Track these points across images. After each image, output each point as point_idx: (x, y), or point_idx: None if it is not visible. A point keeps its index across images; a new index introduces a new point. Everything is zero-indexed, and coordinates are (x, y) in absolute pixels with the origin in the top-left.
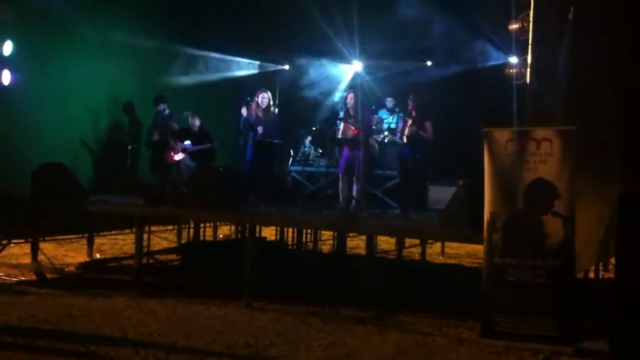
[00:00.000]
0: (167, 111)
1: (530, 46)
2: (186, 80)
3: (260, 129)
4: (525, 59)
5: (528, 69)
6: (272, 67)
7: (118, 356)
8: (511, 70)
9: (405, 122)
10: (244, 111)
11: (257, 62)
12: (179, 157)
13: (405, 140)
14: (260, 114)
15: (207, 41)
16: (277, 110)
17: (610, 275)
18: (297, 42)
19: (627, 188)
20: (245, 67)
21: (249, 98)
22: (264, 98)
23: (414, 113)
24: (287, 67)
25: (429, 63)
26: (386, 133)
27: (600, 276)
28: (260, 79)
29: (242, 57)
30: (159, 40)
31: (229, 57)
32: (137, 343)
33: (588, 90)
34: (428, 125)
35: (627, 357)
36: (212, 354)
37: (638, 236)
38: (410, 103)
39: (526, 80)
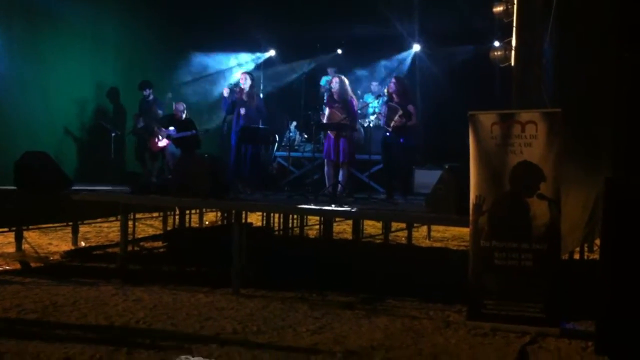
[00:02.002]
0: (151, 97)
1: (514, 29)
2: (171, 68)
3: (242, 111)
4: (510, 42)
5: (513, 52)
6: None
7: (105, 343)
8: (496, 53)
9: (390, 110)
10: (225, 92)
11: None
12: (163, 144)
13: (391, 127)
14: (244, 97)
15: (194, 30)
16: (261, 94)
17: (595, 256)
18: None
19: (615, 172)
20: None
21: (233, 83)
22: (245, 79)
23: (395, 97)
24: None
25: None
26: (372, 117)
27: (585, 257)
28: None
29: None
30: (144, 30)
31: (216, 48)
32: (123, 330)
33: (574, 74)
34: (412, 109)
35: (613, 338)
36: (199, 341)
37: (624, 219)
38: (391, 88)
39: (511, 63)
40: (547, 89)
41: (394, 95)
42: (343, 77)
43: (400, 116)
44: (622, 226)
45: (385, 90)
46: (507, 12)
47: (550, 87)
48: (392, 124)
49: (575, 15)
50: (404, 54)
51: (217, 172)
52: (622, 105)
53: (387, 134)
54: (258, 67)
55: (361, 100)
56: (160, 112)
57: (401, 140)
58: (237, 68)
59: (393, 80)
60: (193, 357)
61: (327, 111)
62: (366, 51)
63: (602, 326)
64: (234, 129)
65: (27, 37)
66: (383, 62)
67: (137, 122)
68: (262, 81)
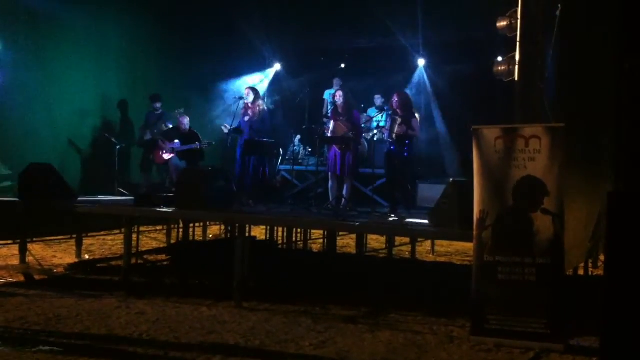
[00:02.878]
0: (160, 110)
1: (518, 44)
2: (176, 80)
3: (245, 134)
4: (513, 57)
5: (516, 67)
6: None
7: (107, 356)
8: (499, 68)
9: (393, 121)
10: (224, 130)
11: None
12: (167, 156)
13: (393, 138)
14: (249, 112)
15: (199, 43)
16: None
17: (600, 272)
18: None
19: (617, 185)
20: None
21: (237, 97)
22: (249, 94)
23: (399, 112)
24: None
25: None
26: (375, 131)
27: (590, 273)
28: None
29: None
30: (148, 41)
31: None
32: (127, 343)
33: (577, 88)
34: (415, 123)
35: (618, 354)
36: (202, 357)
37: (628, 233)
38: (394, 102)
39: (514, 78)
40: (550, 103)
41: (398, 110)
42: (347, 90)
43: (399, 125)
44: (626, 241)
45: (389, 105)
46: (511, 27)
47: (553, 101)
48: (394, 134)
49: (578, 29)
50: (408, 68)
51: (220, 184)
52: (624, 117)
53: (392, 147)
54: (263, 81)
55: (365, 114)
56: (169, 125)
57: (405, 154)
58: (242, 81)
59: (395, 95)
60: None
61: (331, 125)
62: (370, 65)
63: (607, 342)
64: (239, 142)
65: (31, 48)
66: (387, 76)
67: (144, 134)
68: (266, 95)
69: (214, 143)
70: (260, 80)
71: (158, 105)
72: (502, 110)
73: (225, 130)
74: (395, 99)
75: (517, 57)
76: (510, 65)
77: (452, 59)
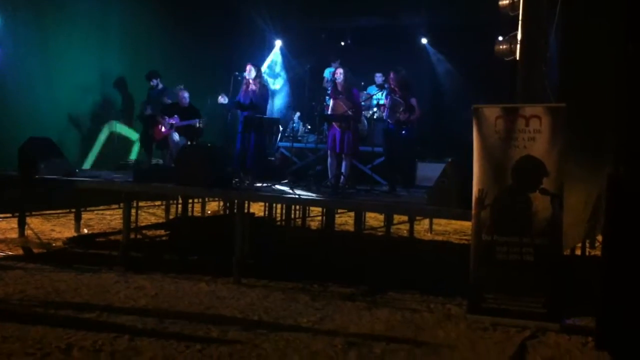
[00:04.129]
0: (160, 86)
1: (520, 22)
2: (178, 57)
3: (250, 91)
4: (515, 36)
5: (518, 46)
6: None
7: (107, 329)
8: (501, 47)
9: (395, 104)
10: (221, 99)
11: None
12: (166, 132)
13: (395, 120)
14: (250, 88)
15: (201, 19)
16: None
17: (597, 252)
18: None
19: (617, 167)
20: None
21: (237, 73)
22: (250, 70)
23: (397, 90)
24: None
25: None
26: (375, 109)
27: (587, 253)
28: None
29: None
30: (150, 18)
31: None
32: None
33: (580, 69)
34: (414, 102)
35: (614, 334)
36: (201, 331)
37: (626, 214)
38: (391, 80)
39: (516, 57)
40: (552, 83)
41: (395, 89)
42: (347, 68)
43: (404, 111)
44: (624, 222)
45: (387, 83)
46: (513, 6)
47: (555, 81)
48: (396, 118)
49: (581, 9)
50: (409, 46)
51: (220, 161)
52: (625, 100)
53: (390, 126)
54: (264, 58)
55: (365, 92)
56: (168, 101)
57: (403, 132)
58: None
59: (392, 73)
60: (194, 345)
61: (331, 103)
62: (371, 43)
63: (602, 322)
64: (239, 118)
65: (31, 23)
66: (388, 54)
67: (145, 109)
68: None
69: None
70: (262, 57)
71: (155, 82)
72: (504, 90)
73: (223, 100)
74: (392, 76)
75: (519, 37)
76: (512, 44)
77: (454, 39)
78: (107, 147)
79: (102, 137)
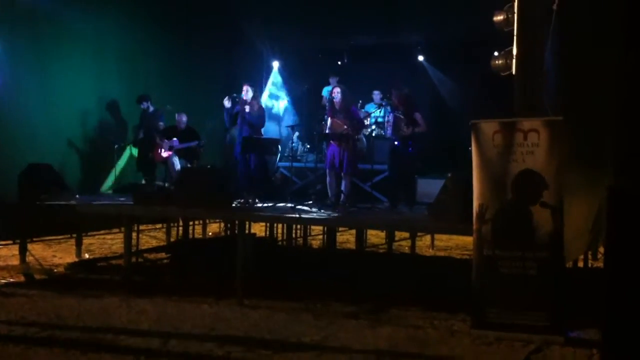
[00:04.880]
0: (151, 109)
1: (515, 37)
2: (175, 79)
3: (244, 131)
4: (511, 51)
5: (514, 60)
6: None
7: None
8: (497, 62)
9: (398, 120)
10: (226, 103)
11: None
12: (166, 154)
13: (399, 136)
14: (247, 108)
15: (198, 42)
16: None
17: (600, 264)
18: None
19: (617, 179)
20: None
21: (235, 94)
22: (247, 91)
23: (401, 107)
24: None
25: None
26: (373, 127)
27: (590, 265)
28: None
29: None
30: (147, 41)
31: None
32: (128, 341)
33: (576, 81)
34: (418, 117)
35: (619, 346)
36: (204, 354)
37: (627, 225)
38: (393, 98)
39: (512, 72)
40: (549, 96)
41: (399, 106)
42: (344, 87)
43: (406, 125)
44: (626, 233)
45: (391, 102)
46: (508, 21)
47: (552, 94)
48: (400, 135)
49: (575, 22)
50: (406, 63)
51: (220, 182)
52: (624, 110)
53: (396, 143)
54: (261, 78)
55: (363, 110)
56: (161, 123)
57: (409, 149)
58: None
59: (394, 91)
60: None
61: (329, 121)
62: (368, 61)
63: (608, 334)
64: (238, 139)
65: (30, 48)
66: (385, 72)
67: (138, 133)
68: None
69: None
70: (259, 77)
71: (145, 104)
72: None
73: (228, 104)
74: (394, 94)
75: (515, 51)
76: (508, 59)
77: (452, 55)
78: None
79: (124, 159)
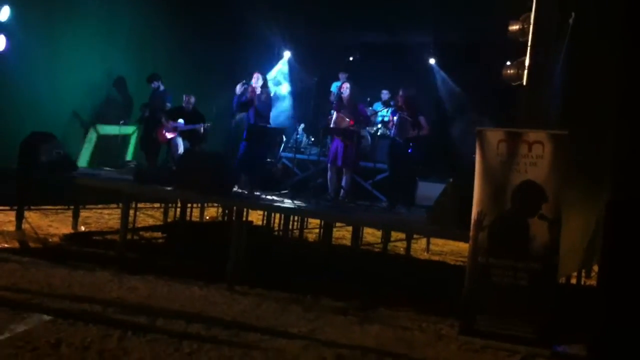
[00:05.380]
0: (161, 88)
1: (529, 48)
2: (184, 60)
3: (250, 119)
4: (523, 61)
5: (525, 71)
6: None
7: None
8: (509, 72)
9: (403, 121)
10: (238, 88)
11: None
12: (170, 135)
13: (403, 138)
14: (255, 96)
15: (209, 24)
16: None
17: (592, 282)
18: None
19: (615, 194)
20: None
21: (244, 80)
22: (258, 79)
23: (404, 108)
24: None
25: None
26: (379, 126)
27: (583, 282)
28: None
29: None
30: (158, 20)
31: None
32: (116, 315)
33: (583, 96)
34: (422, 120)
35: None
36: (191, 335)
37: (624, 242)
38: (399, 98)
39: (522, 82)
40: (555, 110)
41: (403, 107)
42: (353, 83)
43: (412, 126)
44: (622, 250)
45: (395, 101)
46: (523, 32)
47: (557, 107)
48: (405, 136)
49: (588, 39)
50: (417, 65)
51: (220, 168)
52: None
53: (397, 142)
54: (271, 67)
55: (370, 108)
56: (168, 104)
57: (409, 150)
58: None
59: (401, 90)
60: (183, 348)
61: (335, 116)
62: (379, 59)
63: (595, 350)
64: (246, 125)
65: (41, 18)
66: (395, 71)
67: (144, 111)
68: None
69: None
70: (275, 71)
71: (155, 84)
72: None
73: (239, 90)
74: (401, 94)
75: (527, 62)
76: (520, 69)
77: (462, 59)
78: (99, 148)
79: (92, 139)
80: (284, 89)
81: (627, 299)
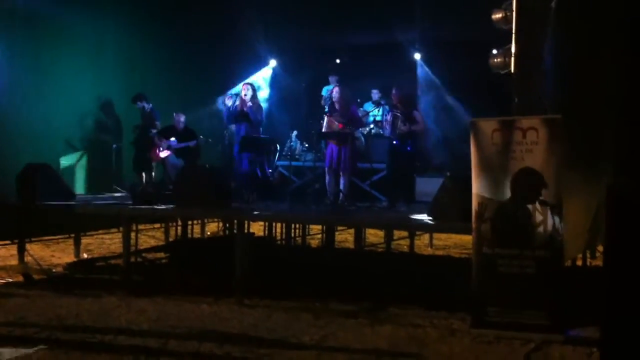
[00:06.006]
0: (147, 108)
1: (513, 35)
2: (172, 79)
3: (242, 131)
4: (509, 49)
5: (512, 59)
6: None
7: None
8: (495, 60)
9: (395, 118)
10: (227, 101)
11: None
12: (164, 154)
13: (396, 135)
14: (246, 108)
15: (196, 42)
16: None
17: (598, 263)
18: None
19: (617, 177)
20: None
21: (235, 93)
22: (247, 89)
23: (399, 106)
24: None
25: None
26: (372, 126)
27: (588, 264)
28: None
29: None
30: (145, 42)
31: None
32: (127, 341)
33: (576, 80)
34: (417, 115)
35: (618, 344)
36: (204, 355)
37: (626, 224)
38: (393, 96)
39: (510, 70)
40: (548, 95)
41: (398, 105)
42: (343, 86)
43: (403, 122)
44: (625, 231)
45: (390, 100)
46: (507, 19)
47: (551, 93)
48: (397, 132)
49: (575, 20)
50: (405, 63)
51: (218, 182)
52: (625, 109)
53: (395, 142)
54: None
55: (361, 109)
56: (157, 122)
57: (408, 148)
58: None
59: (394, 89)
60: None
61: (327, 120)
62: (367, 59)
63: (606, 332)
64: (237, 139)
65: (28, 49)
66: (384, 71)
67: (136, 133)
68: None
69: (210, 140)
70: (257, 76)
71: (140, 104)
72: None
73: (229, 102)
74: (394, 92)
75: (513, 49)
76: (506, 57)
77: (450, 53)
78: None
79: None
80: (263, 94)
81: (634, 281)
